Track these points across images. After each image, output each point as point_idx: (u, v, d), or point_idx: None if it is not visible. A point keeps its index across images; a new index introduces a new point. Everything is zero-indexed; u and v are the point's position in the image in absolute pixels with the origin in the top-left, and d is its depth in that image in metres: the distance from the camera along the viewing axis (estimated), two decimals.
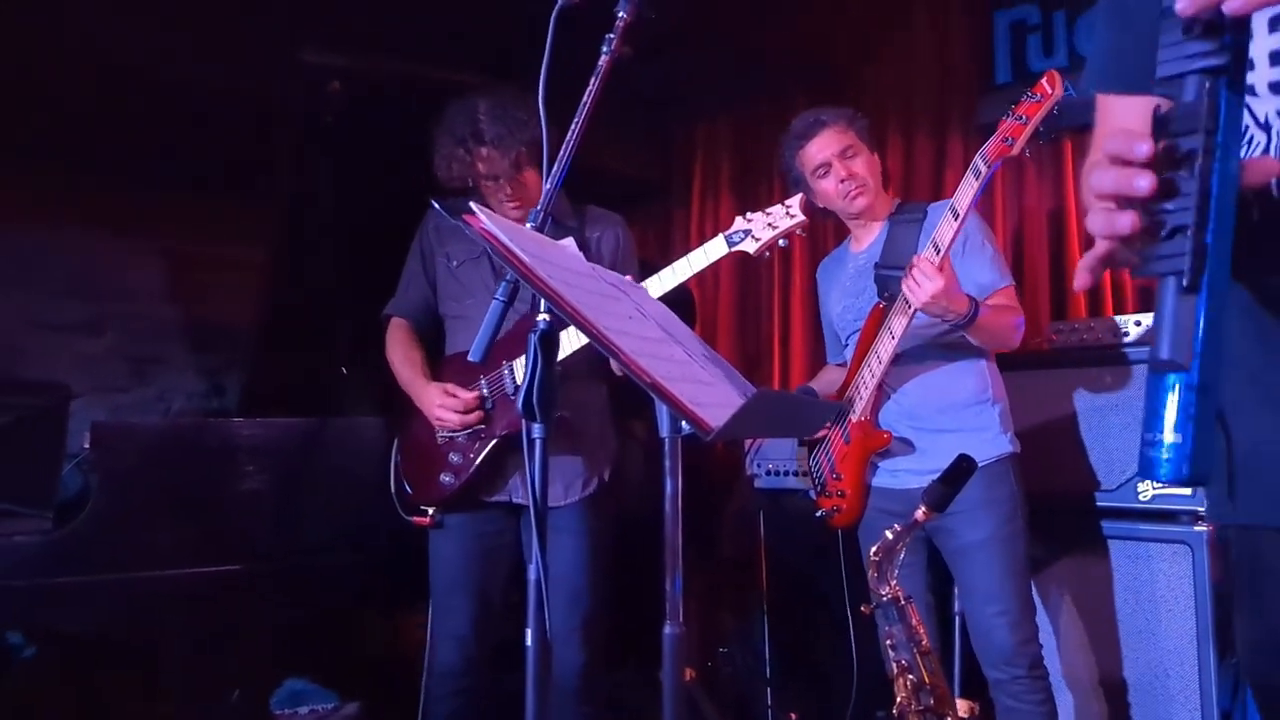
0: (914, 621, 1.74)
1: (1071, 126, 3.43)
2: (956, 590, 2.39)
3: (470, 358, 1.51)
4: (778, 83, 4.37)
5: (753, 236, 2.23)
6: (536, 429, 1.39)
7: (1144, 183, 0.70)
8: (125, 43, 3.29)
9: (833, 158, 2.42)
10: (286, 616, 2.63)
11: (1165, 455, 0.70)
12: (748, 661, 3.25)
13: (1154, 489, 2.46)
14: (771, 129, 4.50)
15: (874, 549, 1.77)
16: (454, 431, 2.36)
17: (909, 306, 2.16)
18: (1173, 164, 0.70)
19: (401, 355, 2.51)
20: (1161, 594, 2.44)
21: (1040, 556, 2.57)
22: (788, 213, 2.23)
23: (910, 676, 1.70)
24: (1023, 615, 2.24)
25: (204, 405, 4.00)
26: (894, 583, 1.76)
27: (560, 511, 2.36)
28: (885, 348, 2.27)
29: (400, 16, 3.33)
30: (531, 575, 1.40)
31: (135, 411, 3.90)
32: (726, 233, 2.25)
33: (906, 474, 2.30)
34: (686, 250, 4.73)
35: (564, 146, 1.56)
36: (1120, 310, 3.24)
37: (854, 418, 2.35)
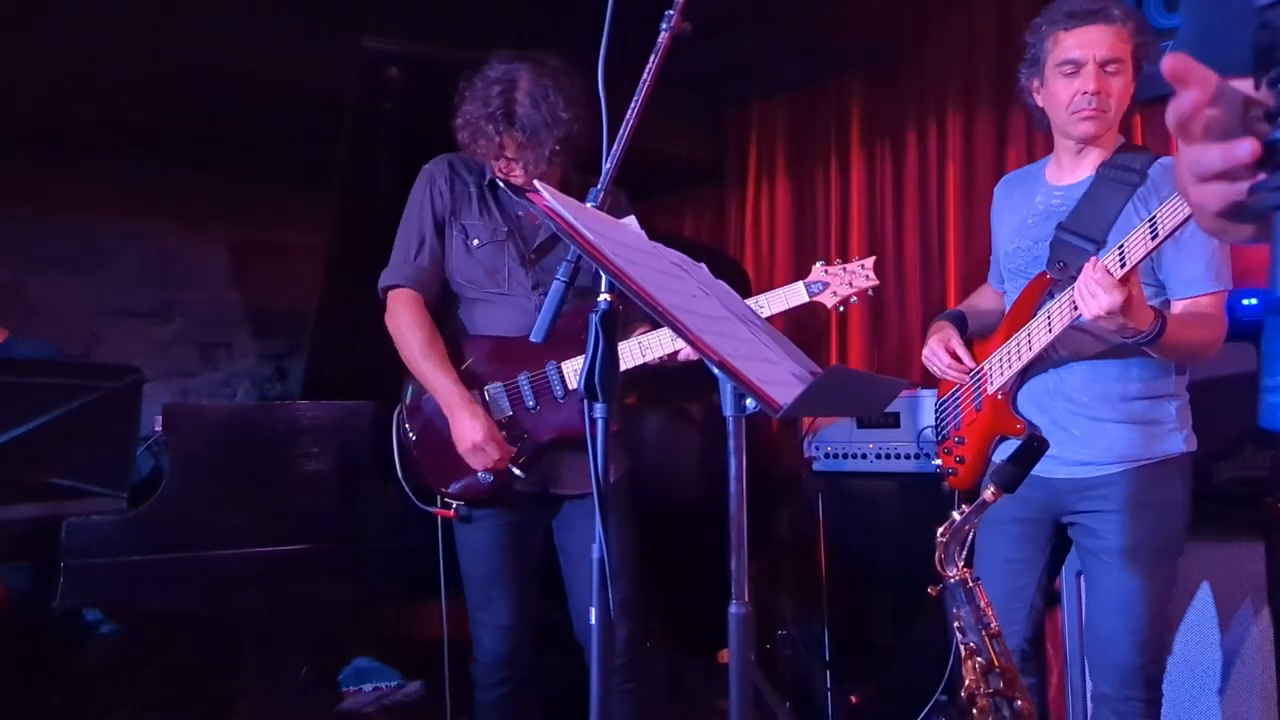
0: (982, 604, 1.71)
1: (1146, 99, 3.34)
2: (1083, 588, 2.24)
3: (533, 338, 1.50)
4: (834, 63, 4.32)
5: (832, 291, 2.27)
6: (599, 409, 1.39)
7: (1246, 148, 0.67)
8: (185, 34, 3.36)
9: (1092, 59, 1.99)
10: (351, 597, 2.66)
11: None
12: (807, 644, 3.24)
13: (1230, 472, 2.38)
14: (826, 111, 4.50)
15: (941, 530, 1.75)
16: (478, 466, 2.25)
17: (1075, 309, 1.88)
18: None
19: (422, 342, 2.28)
20: (1235, 580, 2.37)
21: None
22: (865, 275, 2.28)
23: (979, 659, 1.68)
24: (1153, 635, 2.01)
25: (269, 389, 4.10)
26: (961, 564, 1.73)
27: (588, 498, 2.34)
28: (1039, 337, 2.01)
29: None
30: (595, 555, 1.40)
31: (203, 395, 4.01)
32: (807, 281, 2.28)
33: (1052, 461, 1.90)
34: (741, 232, 4.71)
35: (624, 125, 1.54)
36: None
37: (989, 389, 2.14)
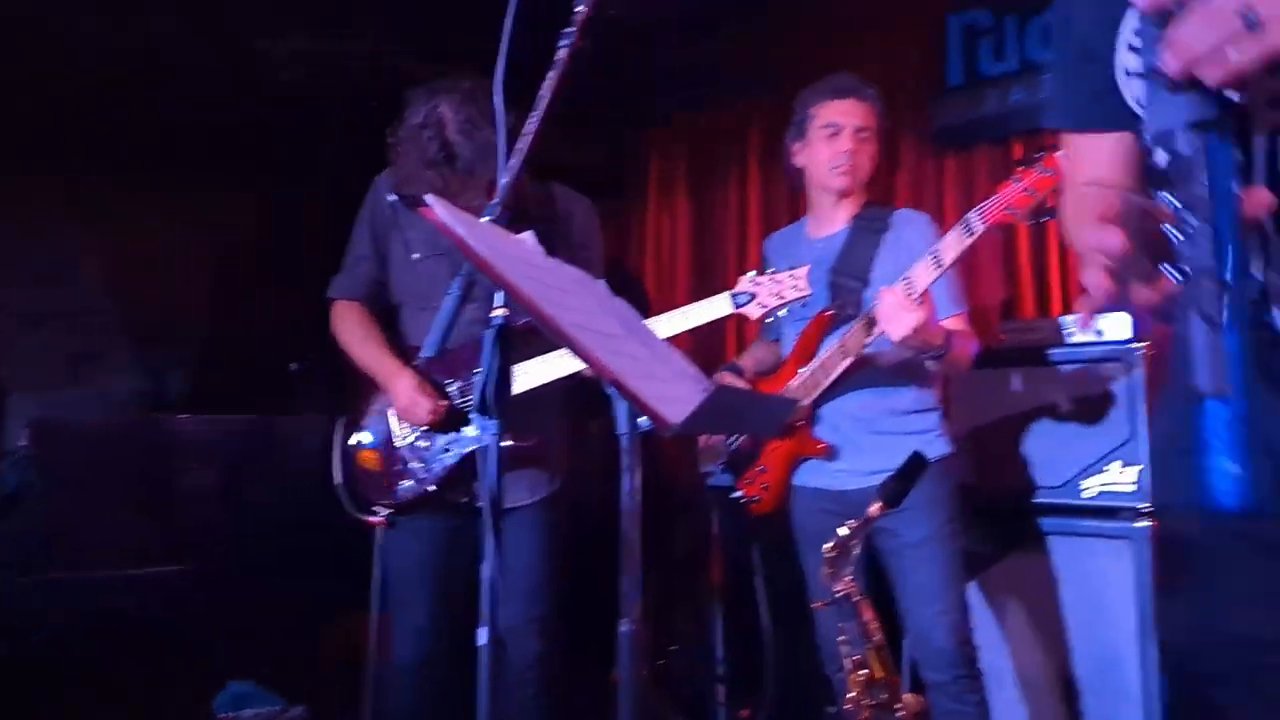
0: (866, 617, 1.76)
1: (1022, 131, 3.51)
2: (896, 592, 2.38)
3: (423, 354, 1.48)
4: (733, 84, 4.39)
5: (759, 302, 2.19)
6: (491, 426, 1.37)
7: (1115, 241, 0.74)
8: (63, 25, 3.21)
9: (849, 126, 2.39)
10: (230, 618, 2.57)
11: (1226, 484, 0.69)
12: (701, 659, 3.26)
13: (1100, 486, 2.52)
14: (727, 128, 4.57)
15: (828, 546, 1.79)
16: (419, 429, 2.31)
17: (870, 334, 2.19)
18: (1182, 210, 0.73)
19: (361, 335, 2.38)
20: (1104, 590, 2.49)
21: (985, 554, 2.62)
22: (795, 285, 2.19)
23: (863, 672, 1.72)
24: (961, 616, 2.28)
25: (146, 401, 3.91)
26: (848, 579, 1.77)
27: (524, 510, 2.34)
28: (833, 362, 2.30)
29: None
30: (486, 574, 1.38)
31: (75, 408, 3.80)
32: (733, 292, 2.21)
33: (847, 474, 2.32)
34: (642, 248, 4.70)
35: (520, 140, 1.53)
36: (1067, 311, 3.31)
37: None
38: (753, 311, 2.20)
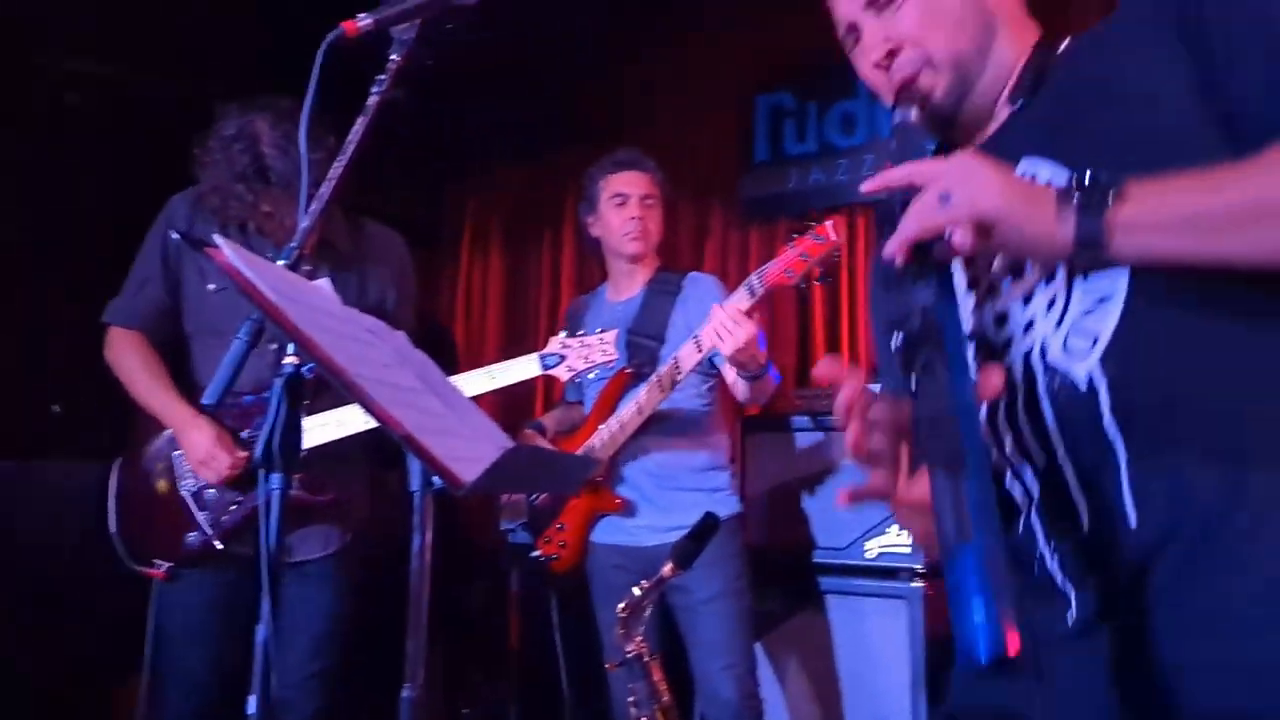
0: (655, 678, 1.77)
1: (820, 209, 3.73)
2: (687, 647, 2.45)
3: (204, 401, 1.39)
4: (555, 142, 4.45)
5: (567, 365, 2.21)
6: (275, 480, 1.30)
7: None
8: None
9: (635, 195, 2.54)
10: None
11: (977, 635, 0.67)
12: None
13: (880, 548, 2.66)
14: (545, 185, 4.61)
15: (621, 606, 1.79)
16: (210, 484, 2.15)
17: (663, 387, 2.32)
18: (922, 373, 0.86)
19: (148, 375, 2.18)
20: (882, 648, 2.63)
21: (771, 612, 2.71)
22: (604, 349, 2.22)
23: None
24: (747, 670, 2.36)
25: None
26: (639, 639, 1.79)
27: (315, 564, 2.23)
28: (631, 419, 2.39)
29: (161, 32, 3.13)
30: (259, 637, 1.30)
31: None
32: (542, 353, 2.21)
33: (646, 531, 2.40)
34: (453, 301, 4.65)
35: (324, 185, 1.49)
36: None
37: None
38: (561, 374, 2.23)
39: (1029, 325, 0.98)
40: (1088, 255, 0.86)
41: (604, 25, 3.91)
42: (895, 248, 0.89)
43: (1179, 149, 0.89)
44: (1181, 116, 0.91)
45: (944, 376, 0.83)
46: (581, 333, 2.26)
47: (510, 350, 4.55)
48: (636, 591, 1.79)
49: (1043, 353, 0.96)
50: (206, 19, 3.28)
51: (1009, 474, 1.01)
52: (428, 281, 4.83)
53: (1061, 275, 0.96)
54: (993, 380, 0.88)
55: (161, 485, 2.20)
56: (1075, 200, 0.85)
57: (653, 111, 4.22)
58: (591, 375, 2.26)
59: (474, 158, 4.70)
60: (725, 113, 4.07)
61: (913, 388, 0.86)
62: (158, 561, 2.16)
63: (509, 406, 4.39)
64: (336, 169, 1.50)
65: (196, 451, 2.12)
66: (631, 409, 2.39)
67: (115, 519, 2.21)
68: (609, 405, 2.46)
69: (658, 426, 2.43)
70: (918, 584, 2.58)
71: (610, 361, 2.23)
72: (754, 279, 2.25)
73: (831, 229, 2.24)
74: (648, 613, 1.81)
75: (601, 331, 2.26)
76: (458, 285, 4.74)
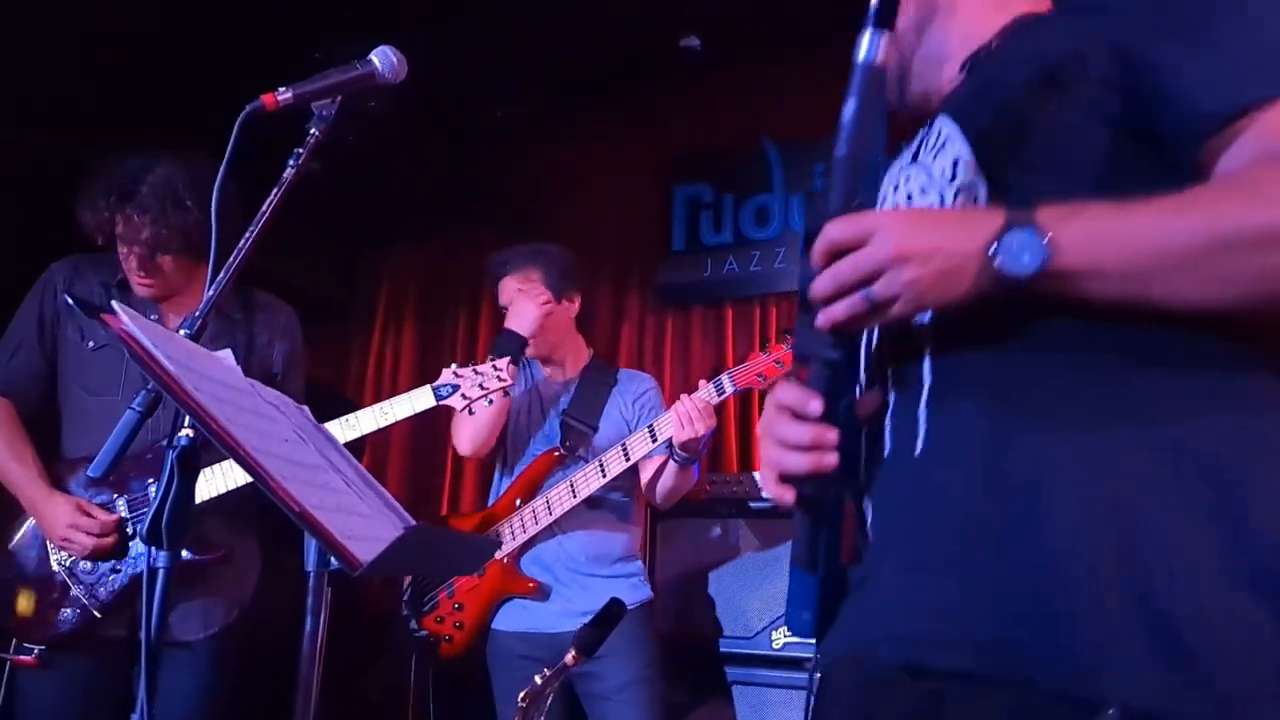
0: None
1: (734, 298, 3.81)
2: None
3: (90, 473, 1.33)
4: (472, 219, 4.47)
5: (462, 394, 2.21)
6: (162, 558, 1.24)
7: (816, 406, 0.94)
8: None
9: (508, 305, 2.51)
10: None
11: (800, 624, 1.06)
12: None
13: (785, 638, 2.66)
14: (462, 262, 4.61)
15: (522, 695, 1.74)
16: (80, 558, 2.05)
17: (606, 472, 2.33)
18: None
19: (6, 447, 2.10)
20: None
21: (677, 702, 2.67)
22: (497, 376, 2.24)
23: None
24: None
25: None
26: None
27: (194, 646, 2.11)
28: (561, 502, 2.36)
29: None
30: None
31: None
32: (435, 385, 2.21)
33: (556, 616, 2.34)
34: (364, 375, 4.56)
35: (234, 253, 1.46)
36: None
37: (498, 554, 2.38)
38: (456, 403, 2.22)
39: None
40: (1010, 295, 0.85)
41: (526, 109, 3.98)
42: (824, 322, 0.91)
43: (1071, 148, 0.90)
44: (1079, 115, 0.90)
45: (842, 419, 0.93)
46: (473, 363, 2.26)
47: (419, 425, 4.52)
48: (538, 680, 1.75)
49: None
50: (81, 73, 3.25)
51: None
52: (338, 354, 4.75)
53: None
54: (871, 403, 0.99)
55: (32, 564, 2.08)
56: (1000, 258, 0.83)
57: (571, 195, 4.28)
58: (485, 403, 2.24)
59: (388, 231, 4.68)
60: (643, 201, 4.15)
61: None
62: (28, 646, 2.03)
63: (417, 492, 4.31)
64: (247, 239, 1.48)
65: (55, 529, 2.03)
66: (564, 491, 2.37)
67: None
68: (534, 482, 2.43)
69: (581, 511, 2.40)
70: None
71: (505, 386, 2.25)
72: (725, 378, 2.30)
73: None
74: (549, 701, 1.77)
75: (493, 359, 2.27)
76: (369, 358, 4.67)
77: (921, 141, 1.08)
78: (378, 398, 4.50)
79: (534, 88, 3.90)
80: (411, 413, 2.19)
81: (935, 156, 1.02)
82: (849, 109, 0.93)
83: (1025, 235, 0.82)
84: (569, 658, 1.69)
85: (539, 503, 2.39)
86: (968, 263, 0.85)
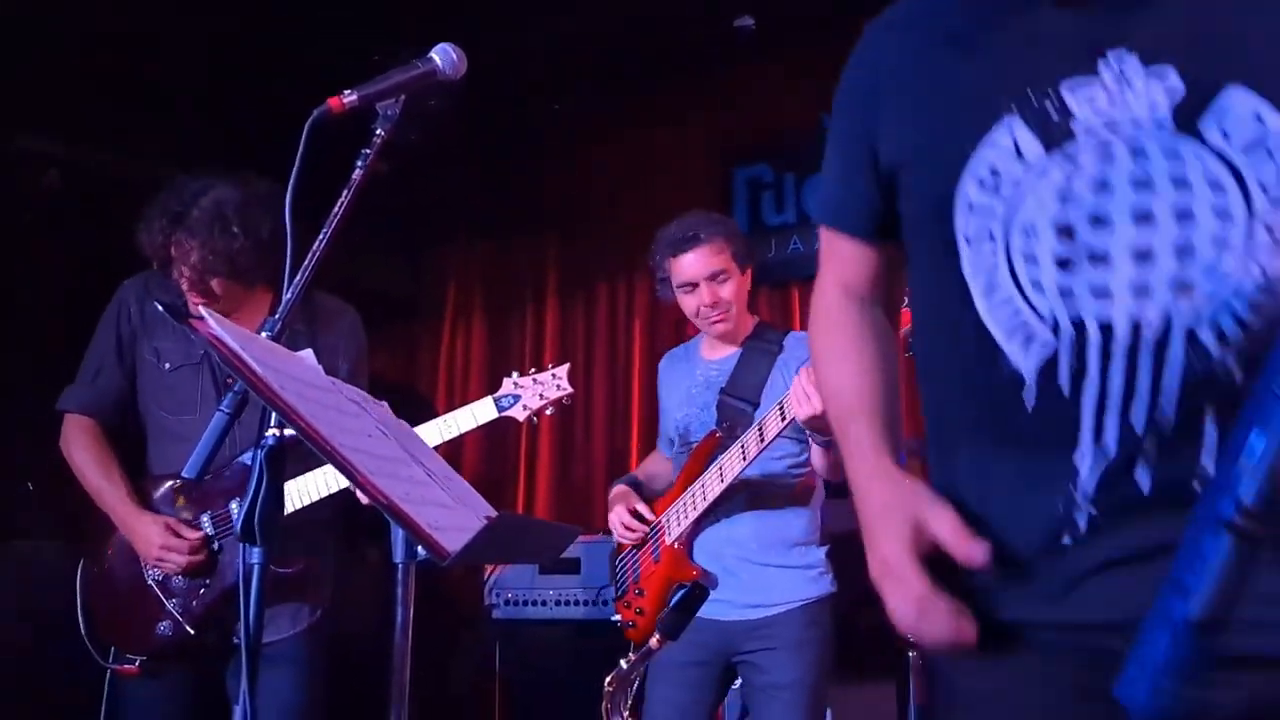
0: None
1: (800, 278, 3.78)
2: None
3: (185, 473, 1.37)
4: (533, 213, 4.51)
5: (523, 404, 2.19)
6: (256, 554, 1.28)
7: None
8: None
9: (701, 279, 2.32)
10: None
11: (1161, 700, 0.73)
12: None
13: None
14: (526, 255, 4.65)
15: (608, 679, 1.75)
16: (172, 574, 2.11)
17: (767, 433, 2.15)
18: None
19: (99, 468, 2.16)
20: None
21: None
22: (557, 384, 2.21)
23: None
24: None
25: None
26: (626, 713, 1.74)
27: (283, 643, 2.17)
28: (713, 487, 2.24)
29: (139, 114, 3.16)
30: (238, 718, 1.26)
31: None
32: (496, 396, 2.20)
33: (724, 604, 2.20)
34: (434, 372, 4.63)
35: (309, 257, 1.49)
36: None
37: (667, 540, 2.31)
38: (518, 414, 2.21)
39: None
40: None
41: (582, 101, 3.99)
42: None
43: None
44: None
45: None
46: (534, 371, 2.24)
47: (492, 424, 4.56)
48: (623, 664, 1.75)
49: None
50: (164, 100, 3.33)
51: None
52: (408, 351, 4.83)
53: None
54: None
55: (128, 574, 2.14)
56: None
57: (631, 184, 4.29)
58: (548, 411, 2.22)
59: (451, 228, 4.74)
60: (704, 183, 4.14)
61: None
62: (130, 656, 2.09)
63: (492, 486, 4.36)
64: (321, 241, 1.51)
65: (149, 548, 2.08)
66: (714, 475, 2.25)
67: (84, 620, 2.14)
68: (698, 468, 2.31)
69: (746, 494, 2.28)
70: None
71: (565, 397, 2.21)
72: None
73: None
74: (634, 686, 1.77)
75: (554, 367, 2.24)
76: (439, 354, 4.73)
77: (1190, 105, 0.86)
78: (450, 393, 4.62)
79: (589, 78, 3.91)
80: (474, 425, 2.18)
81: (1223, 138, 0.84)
82: None
83: None
84: (653, 641, 1.69)
85: (697, 489, 2.28)
86: None
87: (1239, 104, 0.84)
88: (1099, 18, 0.90)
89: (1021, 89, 0.91)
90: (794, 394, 2.06)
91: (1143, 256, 0.85)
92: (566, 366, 2.25)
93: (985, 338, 0.93)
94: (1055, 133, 0.89)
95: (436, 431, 2.16)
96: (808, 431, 2.15)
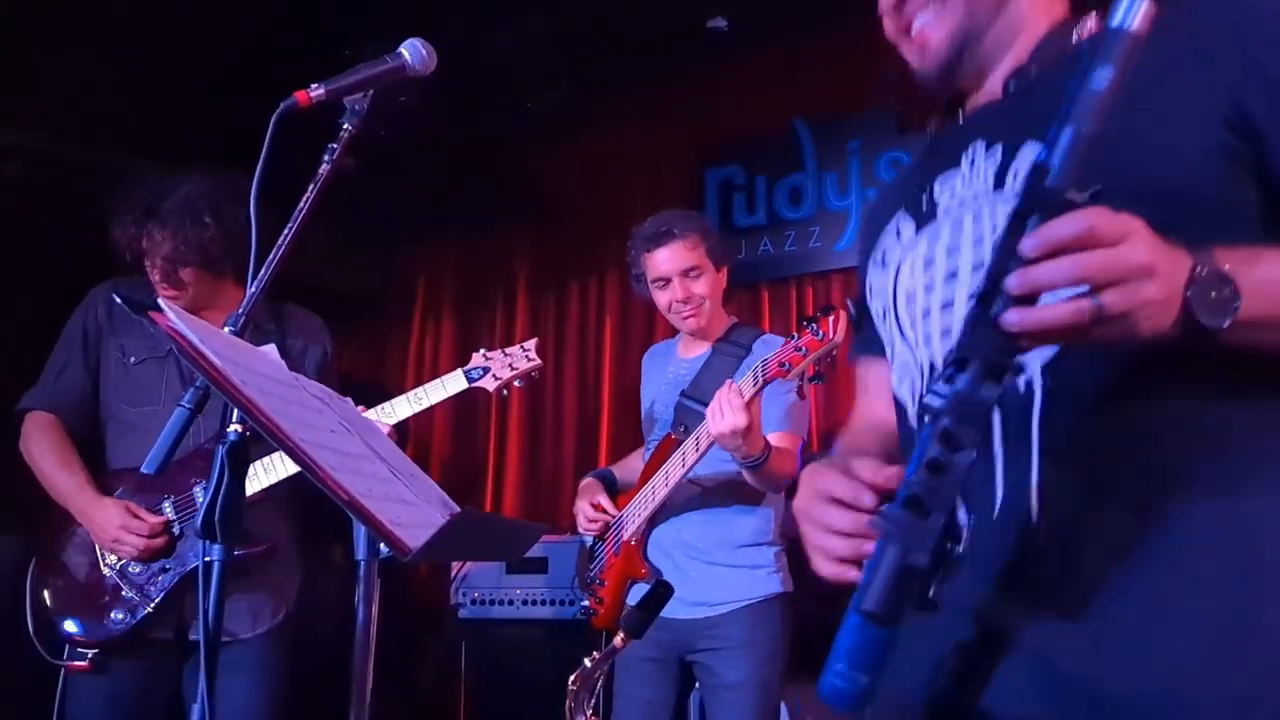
0: None
1: (770, 279, 3.78)
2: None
3: (144, 469, 1.35)
4: (505, 212, 4.50)
5: (493, 375, 2.22)
6: (216, 551, 1.27)
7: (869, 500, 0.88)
8: None
9: (674, 274, 2.33)
10: None
11: (848, 688, 0.79)
12: None
13: None
14: (497, 254, 4.64)
15: (572, 678, 1.75)
16: (130, 560, 2.09)
17: (700, 442, 2.15)
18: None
19: (56, 459, 2.16)
20: None
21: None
22: (526, 356, 2.25)
23: None
24: None
25: None
26: (589, 712, 1.74)
27: (244, 645, 2.14)
28: (660, 489, 2.26)
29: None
30: (195, 717, 1.25)
31: None
32: (466, 368, 2.23)
33: (675, 603, 2.11)
34: (403, 369, 4.62)
35: (273, 252, 1.48)
36: None
37: (625, 535, 2.34)
38: (488, 384, 2.23)
39: None
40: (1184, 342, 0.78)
41: (556, 100, 3.98)
42: (1022, 323, 0.74)
43: (1193, 212, 0.84)
44: (1201, 177, 0.87)
45: (954, 477, 0.77)
46: (503, 349, 2.27)
47: (460, 416, 4.56)
48: (587, 662, 1.75)
49: None
50: (127, 88, 3.30)
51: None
52: (376, 349, 4.80)
53: None
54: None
55: (83, 567, 2.12)
56: (1199, 300, 0.75)
57: (603, 183, 4.29)
58: (518, 384, 2.24)
59: (422, 227, 4.71)
60: (676, 183, 4.14)
61: (929, 458, 0.78)
62: (82, 651, 2.07)
63: (461, 484, 4.35)
64: (285, 236, 1.50)
65: (106, 532, 2.08)
66: (661, 477, 2.27)
67: (32, 618, 2.11)
68: (654, 467, 2.33)
69: (698, 493, 2.30)
70: None
71: (534, 369, 2.24)
72: (758, 366, 2.07)
73: (834, 324, 2.01)
74: (598, 684, 1.77)
75: (524, 342, 2.28)
76: (409, 353, 4.71)
77: (1003, 167, 0.99)
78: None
79: (562, 78, 3.91)
80: (445, 396, 2.21)
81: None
82: (1102, 77, 0.76)
83: (1216, 282, 0.77)
84: (617, 640, 1.70)
85: (648, 488, 2.31)
86: (1175, 298, 0.76)
87: (1028, 154, 0.96)
88: (975, 124, 1.07)
89: (912, 193, 1.10)
90: (711, 407, 2.06)
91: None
92: (535, 341, 2.29)
93: (896, 400, 1.09)
94: (923, 216, 1.07)
95: (408, 405, 2.18)
96: (734, 458, 2.12)
